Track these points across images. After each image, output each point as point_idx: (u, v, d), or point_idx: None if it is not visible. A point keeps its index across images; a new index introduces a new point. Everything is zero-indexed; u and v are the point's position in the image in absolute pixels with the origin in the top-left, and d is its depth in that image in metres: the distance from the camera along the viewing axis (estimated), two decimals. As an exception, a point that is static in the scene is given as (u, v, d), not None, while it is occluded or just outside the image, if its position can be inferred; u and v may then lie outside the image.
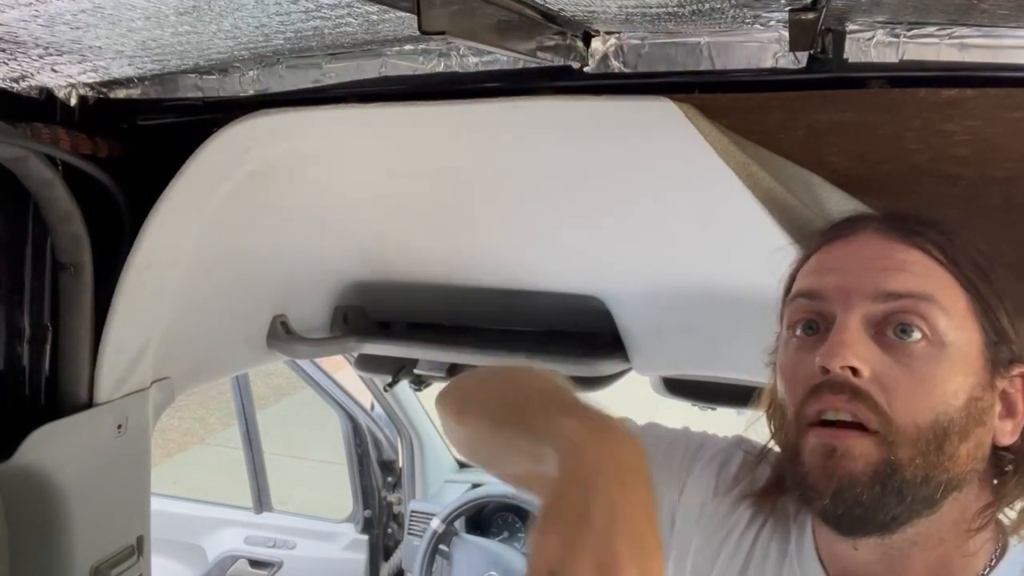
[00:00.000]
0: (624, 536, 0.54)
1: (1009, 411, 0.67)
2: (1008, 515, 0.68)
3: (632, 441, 0.63)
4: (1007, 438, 0.66)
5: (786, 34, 0.71)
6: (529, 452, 0.67)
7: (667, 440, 0.87)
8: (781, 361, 0.71)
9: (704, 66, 0.77)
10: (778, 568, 0.76)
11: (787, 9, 0.65)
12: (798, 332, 0.69)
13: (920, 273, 0.65)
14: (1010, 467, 0.67)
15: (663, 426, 0.90)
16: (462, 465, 3.14)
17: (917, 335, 0.63)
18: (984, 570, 0.66)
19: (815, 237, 0.75)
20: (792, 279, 0.74)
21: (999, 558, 0.67)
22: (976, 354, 0.64)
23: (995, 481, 0.68)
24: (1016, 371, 0.67)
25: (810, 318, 0.68)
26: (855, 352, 0.63)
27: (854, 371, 0.63)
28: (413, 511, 2.84)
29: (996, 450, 0.67)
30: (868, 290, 0.65)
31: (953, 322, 0.64)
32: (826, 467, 0.63)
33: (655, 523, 0.58)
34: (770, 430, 0.76)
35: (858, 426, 0.63)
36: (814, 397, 0.65)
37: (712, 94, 0.78)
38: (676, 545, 0.83)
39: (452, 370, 1.64)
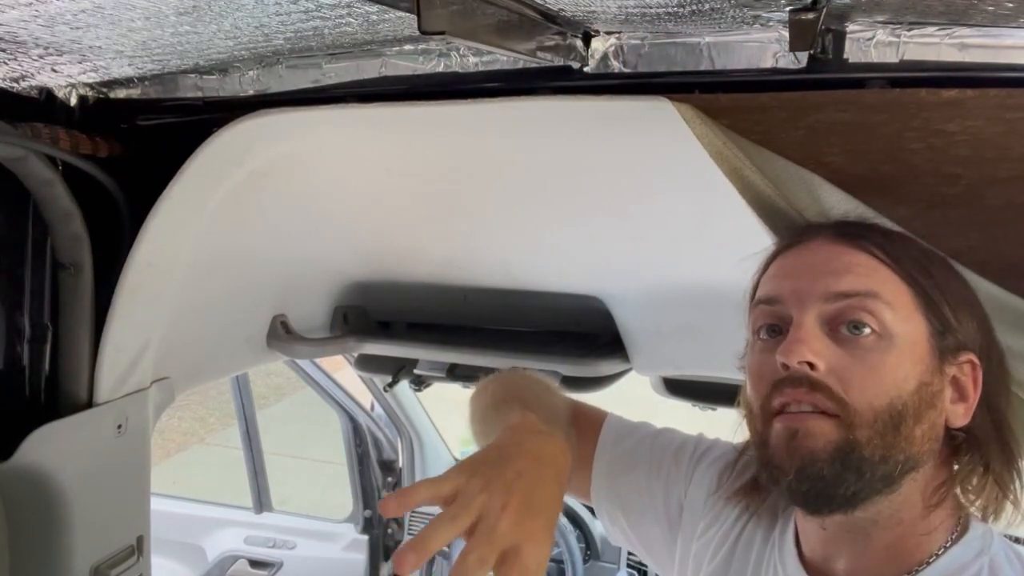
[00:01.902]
0: (522, 494, 0.65)
1: (961, 395, 0.72)
2: (970, 497, 0.73)
3: (563, 448, 0.75)
4: (959, 420, 0.72)
5: (786, 34, 0.71)
6: (494, 431, 0.80)
7: (678, 443, 0.98)
8: (748, 363, 0.78)
9: (704, 66, 0.77)
10: (761, 551, 0.84)
11: (787, 9, 0.65)
12: (762, 336, 0.76)
13: (865, 273, 0.71)
14: (963, 447, 0.73)
15: (678, 431, 1.01)
16: (462, 465, 3.14)
17: (867, 330, 0.69)
18: (939, 550, 0.71)
19: (773, 248, 0.81)
20: (755, 287, 0.80)
21: (957, 538, 0.72)
22: (923, 343, 0.70)
23: (952, 463, 0.73)
24: (964, 358, 0.72)
25: (771, 322, 0.75)
26: (810, 348, 0.69)
27: (812, 366, 0.69)
28: (413, 511, 2.84)
29: (949, 432, 0.73)
30: (820, 292, 0.71)
31: (899, 315, 0.70)
32: (789, 446, 0.69)
33: (552, 508, 0.68)
34: (747, 429, 0.82)
35: (819, 412, 0.69)
36: (777, 391, 0.71)
37: (712, 94, 0.78)
38: (683, 534, 0.93)
39: (452, 370, 1.64)
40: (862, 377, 0.68)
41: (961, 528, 0.73)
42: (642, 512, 0.96)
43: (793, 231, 0.81)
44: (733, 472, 0.90)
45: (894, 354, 0.69)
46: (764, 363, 0.74)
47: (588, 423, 1.02)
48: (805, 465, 0.68)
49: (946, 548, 0.72)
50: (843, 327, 0.70)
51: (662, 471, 0.95)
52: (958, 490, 0.74)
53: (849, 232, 0.75)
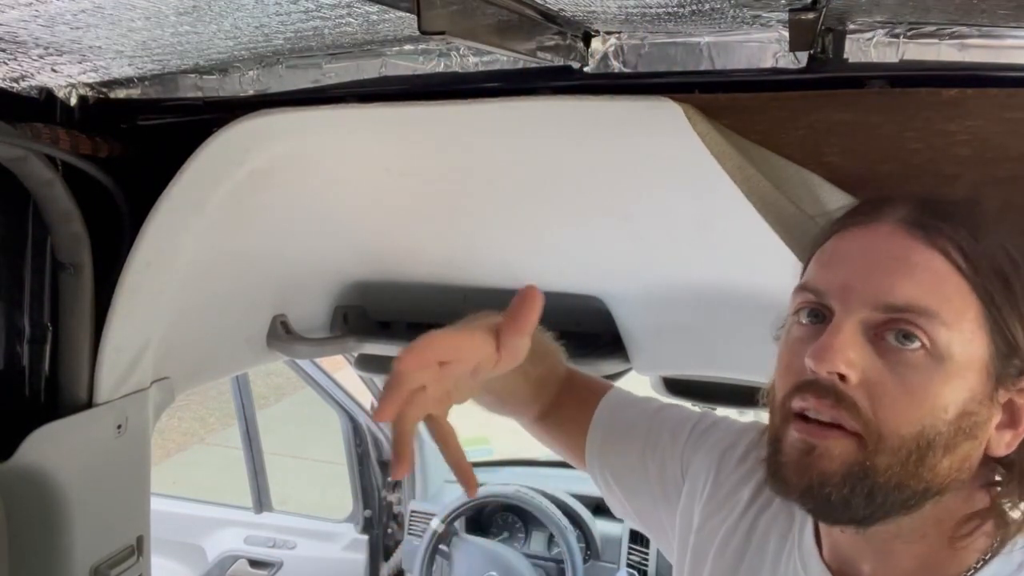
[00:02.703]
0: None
1: (1012, 421, 0.64)
2: (1013, 512, 0.67)
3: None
4: (1003, 449, 0.64)
5: (786, 34, 0.71)
6: None
7: (678, 420, 0.93)
8: (782, 344, 0.71)
9: (704, 66, 0.77)
10: (778, 549, 0.78)
11: (787, 9, 0.65)
12: (803, 319, 0.68)
13: (928, 282, 0.62)
14: (1001, 479, 0.66)
15: (683, 407, 0.96)
16: (462, 465, 3.14)
17: (917, 344, 0.61)
18: (977, 562, 0.66)
19: (837, 217, 0.72)
20: (807, 260, 0.72)
21: (996, 552, 0.66)
22: (979, 368, 0.62)
23: (990, 490, 0.67)
24: None
25: (814, 307, 0.67)
26: (844, 357, 0.61)
27: (842, 377, 0.62)
28: (413, 511, 2.84)
29: (989, 459, 0.65)
30: (868, 297, 0.63)
31: (957, 336, 0.61)
32: (802, 463, 0.63)
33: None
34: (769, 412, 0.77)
35: (840, 426, 0.62)
36: (799, 394, 0.65)
37: (712, 94, 0.78)
38: (680, 522, 0.88)
39: (452, 370, 1.64)
40: (896, 398, 0.61)
41: (1001, 538, 0.66)
42: (635, 488, 0.93)
43: (866, 201, 0.71)
44: (735, 459, 0.86)
45: (939, 377, 0.61)
46: (797, 353, 0.67)
47: (589, 391, 0.99)
48: (813, 487, 0.63)
49: (985, 561, 0.65)
50: (890, 335, 0.62)
51: (658, 449, 0.91)
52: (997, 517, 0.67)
53: (930, 222, 0.64)
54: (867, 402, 0.61)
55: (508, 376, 0.77)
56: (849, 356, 0.61)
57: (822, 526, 0.74)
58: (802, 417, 0.64)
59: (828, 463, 0.62)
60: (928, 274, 0.62)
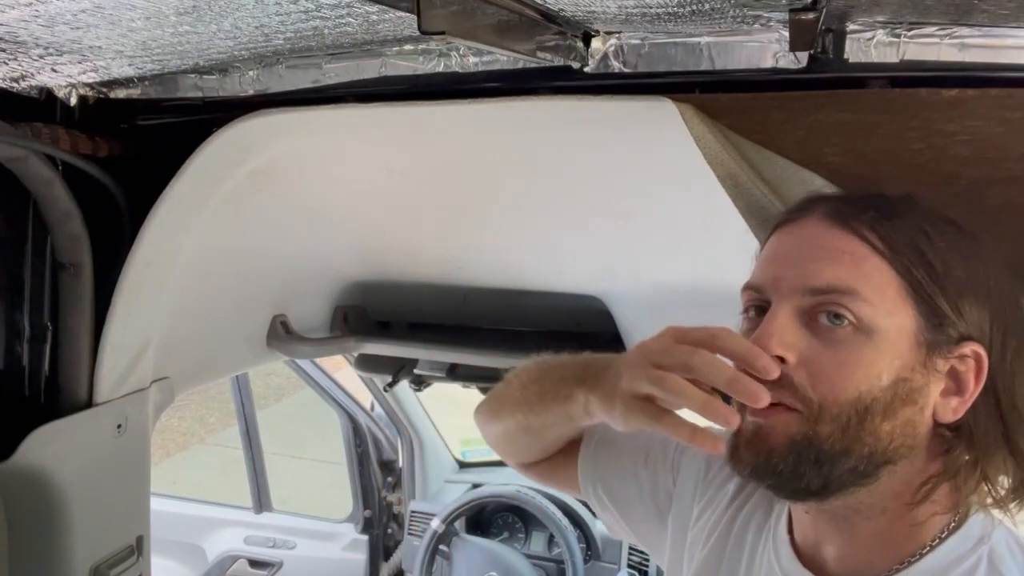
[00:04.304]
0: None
1: (958, 388, 0.68)
2: (964, 492, 0.69)
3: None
4: (950, 415, 0.68)
5: (786, 34, 0.71)
6: (559, 414, 0.86)
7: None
8: None
9: (704, 66, 0.77)
10: (756, 538, 0.83)
11: (787, 9, 0.65)
12: (750, 314, 0.74)
13: (848, 264, 0.67)
14: (953, 442, 0.69)
15: None
16: (462, 465, 3.14)
17: (845, 322, 0.66)
18: (933, 540, 0.69)
19: (777, 220, 0.78)
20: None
21: (954, 528, 0.69)
22: (907, 337, 0.67)
23: (944, 458, 0.69)
24: (966, 349, 0.68)
25: (758, 304, 0.73)
26: (780, 340, 0.66)
27: (782, 359, 0.66)
28: (413, 511, 2.84)
29: (940, 426, 0.69)
30: (798, 284, 0.68)
31: (881, 310, 0.66)
32: (751, 442, 0.68)
33: None
34: None
35: (782, 404, 0.67)
36: None
37: (712, 94, 0.78)
38: (673, 519, 0.92)
39: (452, 370, 1.64)
40: (832, 370, 0.66)
41: (960, 518, 0.70)
42: (630, 502, 0.96)
43: (798, 202, 0.76)
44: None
45: (869, 348, 0.66)
46: None
47: None
48: (761, 462, 0.67)
49: (942, 539, 0.69)
50: (822, 316, 0.67)
51: (649, 461, 0.96)
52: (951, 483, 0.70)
53: (844, 211, 0.70)
54: (806, 379, 0.66)
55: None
56: (786, 338, 0.67)
57: (794, 514, 0.79)
58: None
59: (773, 437, 0.67)
60: (847, 256, 0.68)
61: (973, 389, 0.68)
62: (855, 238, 0.68)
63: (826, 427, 0.66)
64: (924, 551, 0.69)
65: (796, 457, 0.66)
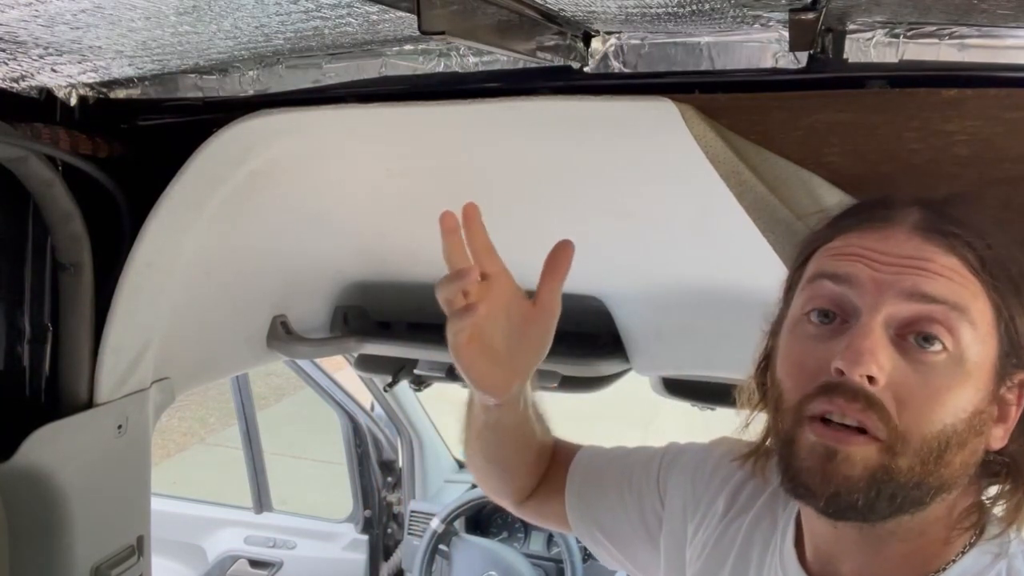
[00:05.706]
0: None
1: (1002, 416, 0.65)
2: (1002, 520, 0.68)
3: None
4: (997, 443, 0.65)
5: (786, 34, 0.71)
6: (478, 417, 0.94)
7: (648, 455, 0.97)
8: (788, 343, 0.69)
9: (704, 66, 0.77)
10: (761, 555, 0.79)
11: (787, 9, 0.65)
12: (813, 318, 0.66)
13: (958, 283, 0.63)
14: (1000, 471, 0.67)
15: (650, 447, 1.00)
16: (462, 465, 3.14)
17: (938, 346, 0.61)
18: (956, 555, 0.67)
19: (835, 216, 0.72)
20: (807, 255, 0.71)
21: (975, 542, 0.67)
22: (989, 367, 0.63)
23: (983, 483, 0.68)
24: (1017, 378, 0.65)
25: (828, 307, 0.66)
26: (877, 360, 0.61)
27: (870, 378, 0.61)
28: (413, 511, 2.84)
29: (986, 453, 0.66)
30: (905, 286, 0.62)
31: (977, 336, 0.62)
32: (824, 469, 0.62)
33: None
34: (748, 400, 0.78)
35: (861, 430, 0.61)
36: (824, 397, 0.63)
37: (712, 94, 0.78)
38: (666, 544, 0.91)
39: (452, 370, 1.64)
40: (921, 401, 0.61)
41: (979, 531, 0.67)
42: (620, 529, 0.95)
43: (869, 203, 0.70)
44: (707, 473, 0.88)
45: (960, 377, 0.61)
46: (811, 355, 0.65)
47: (563, 454, 1.03)
48: (839, 493, 0.62)
49: (963, 553, 0.67)
50: (911, 336, 0.62)
51: (633, 485, 0.95)
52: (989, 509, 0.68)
53: (944, 229, 0.64)
54: (893, 405, 0.61)
55: (523, 426, 0.93)
56: (880, 358, 0.61)
57: (808, 527, 0.74)
58: (822, 420, 0.63)
59: (851, 468, 0.61)
60: (956, 275, 0.63)
61: (1015, 415, 0.66)
62: (958, 259, 0.63)
63: (906, 460, 0.61)
64: (946, 566, 0.67)
65: (876, 492, 0.61)
